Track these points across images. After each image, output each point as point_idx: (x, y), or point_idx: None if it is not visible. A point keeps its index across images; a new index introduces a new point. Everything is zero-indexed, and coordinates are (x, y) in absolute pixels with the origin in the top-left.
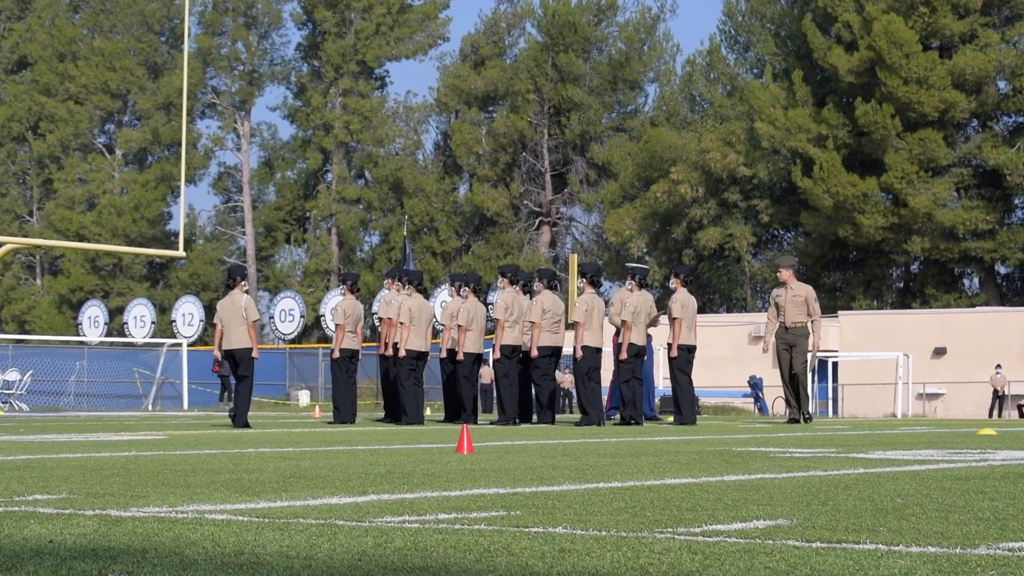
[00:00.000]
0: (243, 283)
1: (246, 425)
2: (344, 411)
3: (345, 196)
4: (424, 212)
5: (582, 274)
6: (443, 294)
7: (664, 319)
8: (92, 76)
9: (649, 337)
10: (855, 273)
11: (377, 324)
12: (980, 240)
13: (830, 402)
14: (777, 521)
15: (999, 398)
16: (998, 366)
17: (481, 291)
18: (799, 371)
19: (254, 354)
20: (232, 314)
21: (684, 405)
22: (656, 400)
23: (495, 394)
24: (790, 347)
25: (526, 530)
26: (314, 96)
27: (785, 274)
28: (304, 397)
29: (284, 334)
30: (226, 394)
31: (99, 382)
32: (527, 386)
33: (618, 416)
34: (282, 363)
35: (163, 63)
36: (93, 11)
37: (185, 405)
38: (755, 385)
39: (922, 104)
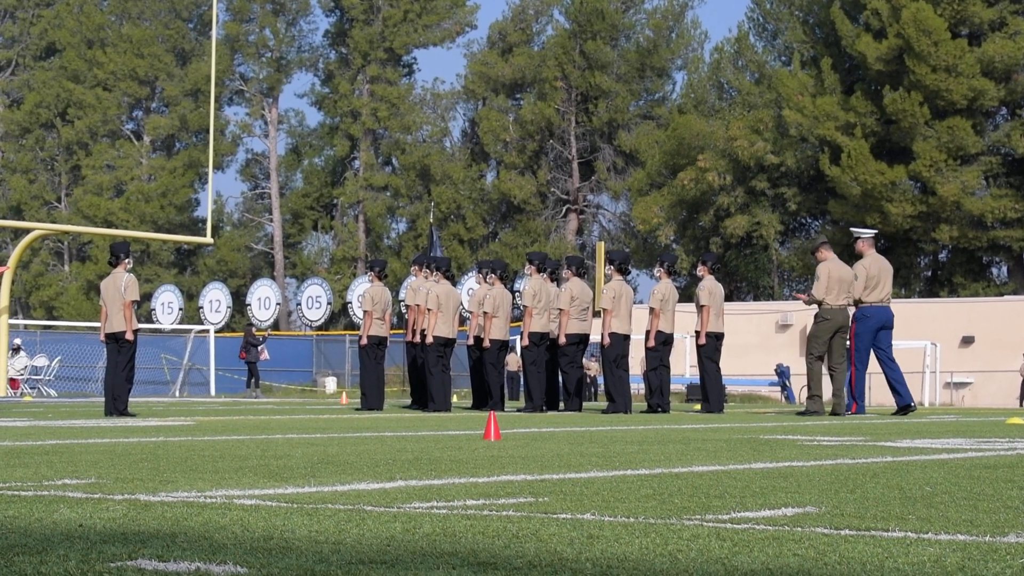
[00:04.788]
0: (127, 261)
1: (125, 412)
2: (372, 398)
3: (372, 183)
4: (451, 199)
5: (610, 261)
6: (470, 281)
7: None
8: (120, 63)
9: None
10: None
11: (404, 311)
12: (1009, 228)
13: None
14: (805, 508)
15: None
16: None
17: (508, 278)
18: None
19: (127, 336)
20: (114, 295)
21: (712, 393)
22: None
23: (522, 381)
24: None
25: (554, 516)
26: (342, 83)
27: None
28: (331, 384)
29: (311, 321)
30: (253, 380)
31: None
32: (554, 373)
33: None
34: (309, 350)
35: (191, 50)
36: None
37: (212, 391)
38: (782, 373)
39: (951, 92)
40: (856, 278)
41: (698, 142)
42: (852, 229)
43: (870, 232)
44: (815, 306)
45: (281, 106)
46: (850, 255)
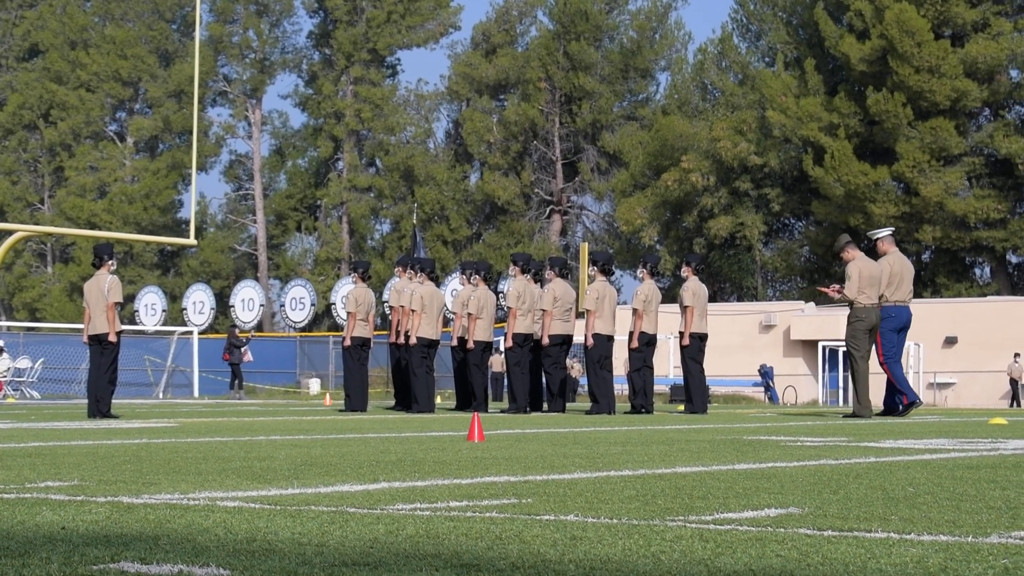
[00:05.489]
0: (110, 262)
1: (108, 414)
2: (355, 399)
3: (356, 184)
4: (435, 200)
5: (593, 262)
6: (454, 282)
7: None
8: (103, 64)
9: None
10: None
11: (388, 312)
12: (991, 229)
13: (840, 391)
14: (788, 509)
15: (1017, 387)
16: (1016, 355)
17: (492, 279)
18: None
19: (110, 337)
20: (97, 297)
21: (695, 394)
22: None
23: (506, 382)
24: None
25: (537, 518)
26: (325, 84)
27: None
28: (314, 385)
29: (295, 322)
30: (236, 381)
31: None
32: (538, 374)
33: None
34: (292, 351)
35: (174, 51)
36: None
37: (196, 393)
38: (765, 374)
39: (934, 93)
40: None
41: (682, 143)
42: (868, 233)
43: (887, 231)
44: (844, 304)
45: (265, 107)
46: (832, 256)
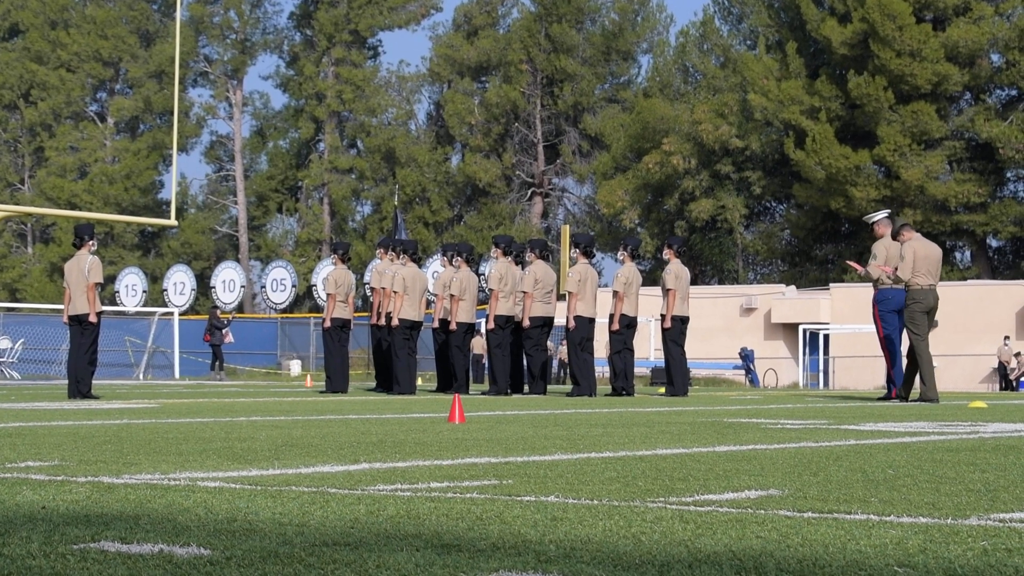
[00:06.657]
0: (91, 243)
1: (89, 395)
2: (336, 380)
3: (337, 166)
4: (416, 182)
5: (575, 244)
6: (435, 264)
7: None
8: (84, 44)
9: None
10: (847, 245)
11: (369, 294)
12: (972, 213)
13: (821, 374)
14: (769, 491)
15: (1005, 370)
16: (1006, 338)
17: (474, 261)
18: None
19: (91, 318)
20: (78, 277)
21: (676, 376)
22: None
23: (487, 364)
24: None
25: (518, 499)
26: (307, 65)
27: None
28: (295, 366)
29: (276, 303)
30: (217, 363)
31: None
32: (519, 356)
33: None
34: (273, 332)
35: (155, 31)
36: None
37: (176, 374)
38: (746, 357)
39: (915, 77)
40: (874, 257)
41: (663, 126)
42: (864, 218)
43: (882, 213)
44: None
45: (246, 88)
46: (813, 239)
